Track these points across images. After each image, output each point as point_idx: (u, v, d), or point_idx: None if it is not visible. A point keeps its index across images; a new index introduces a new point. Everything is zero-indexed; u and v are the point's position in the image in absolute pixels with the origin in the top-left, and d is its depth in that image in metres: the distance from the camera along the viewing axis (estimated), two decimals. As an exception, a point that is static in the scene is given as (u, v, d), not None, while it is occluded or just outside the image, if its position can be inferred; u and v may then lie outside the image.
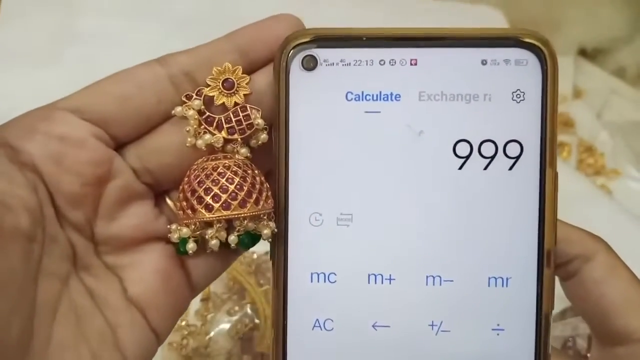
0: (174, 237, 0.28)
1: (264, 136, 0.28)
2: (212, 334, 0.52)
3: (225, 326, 0.52)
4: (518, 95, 0.28)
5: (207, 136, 0.27)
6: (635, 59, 0.86)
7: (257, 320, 0.52)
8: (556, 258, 0.28)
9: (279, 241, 0.29)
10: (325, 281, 0.29)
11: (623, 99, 0.82)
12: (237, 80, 0.27)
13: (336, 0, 0.75)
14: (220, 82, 0.27)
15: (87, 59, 0.65)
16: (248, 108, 0.28)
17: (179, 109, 0.27)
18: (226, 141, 0.28)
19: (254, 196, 0.27)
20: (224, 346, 0.51)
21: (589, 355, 0.48)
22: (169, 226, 0.28)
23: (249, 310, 0.53)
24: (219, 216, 0.27)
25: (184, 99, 0.27)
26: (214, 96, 0.27)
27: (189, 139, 0.27)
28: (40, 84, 0.58)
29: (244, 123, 0.28)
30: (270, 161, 0.29)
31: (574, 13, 0.86)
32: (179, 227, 0.28)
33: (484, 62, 0.28)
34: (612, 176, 0.72)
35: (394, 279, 0.28)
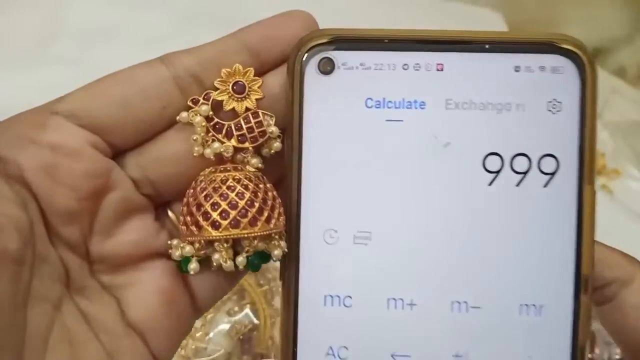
0: (176, 254, 0.25)
1: (277, 144, 0.26)
2: (211, 334, 0.50)
3: (225, 327, 0.51)
4: (554, 106, 0.25)
5: (216, 145, 0.25)
6: (636, 58, 0.85)
7: (256, 321, 0.51)
8: (593, 282, 0.26)
9: (290, 260, 0.26)
10: (340, 305, 0.26)
11: (624, 99, 0.81)
12: (248, 83, 0.25)
13: (335, -1, 0.72)
14: (230, 85, 0.25)
15: (77, 56, 0.62)
16: (260, 114, 0.25)
17: (184, 114, 0.25)
18: (236, 150, 0.25)
19: (266, 214, 0.24)
20: (223, 347, 0.50)
21: (590, 355, 0.47)
22: (169, 241, 0.26)
23: (248, 311, 0.51)
24: (226, 235, 0.24)
25: (190, 103, 0.25)
26: (222, 101, 0.25)
27: (196, 148, 0.25)
28: (26, 83, 0.56)
29: (256, 130, 0.25)
30: (281, 170, 0.26)
31: (574, 13, 0.85)
32: (181, 245, 0.25)
33: (517, 69, 0.25)
34: (613, 176, 0.71)
35: (416, 304, 0.26)
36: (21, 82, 0.58)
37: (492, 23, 0.77)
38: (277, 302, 0.52)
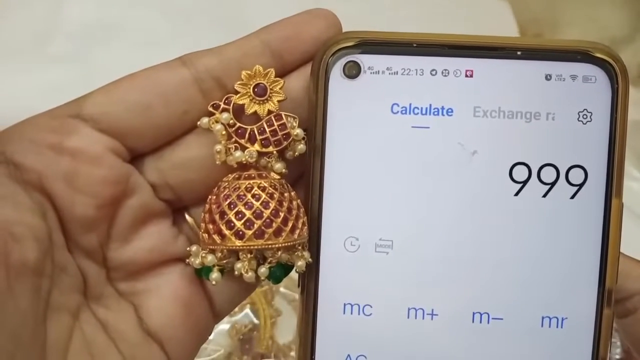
0: (196, 262, 0.24)
1: (301, 147, 0.25)
2: (211, 334, 0.49)
3: (225, 327, 0.51)
4: (585, 116, 0.25)
5: (238, 153, 0.24)
6: (636, 59, 0.85)
7: (256, 321, 0.51)
8: (615, 294, 0.26)
9: (310, 267, 0.25)
10: (359, 313, 0.26)
11: (624, 99, 0.81)
12: (269, 85, 0.24)
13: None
14: (251, 87, 0.24)
15: (75, 56, 0.61)
16: (283, 116, 0.24)
17: (205, 120, 0.24)
18: (260, 154, 0.24)
19: (290, 224, 0.24)
20: (223, 347, 0.50)
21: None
22: (188, 248, 0.25)
23: (248, 311, 0.51)
24: (250, 245, 0.23)
25: (210, 109, 0.24)
26: (244, 104, 0.24)
27: (218, 156, 0.24)
28: (26, 83, 0.55)
29: (280, 133, 0.24)
30: (300, 171, 0.26)
31: (574, 13, 0.85)
32: (202, 253, 0.24)
33: (548, 77, 0.25)
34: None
35: (437, 315, 0.25)
36: (20, 81, 0.58)
37: (499, 13, 0.76)
38: (277, 302, 0.52)
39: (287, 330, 0.51)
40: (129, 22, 0.64)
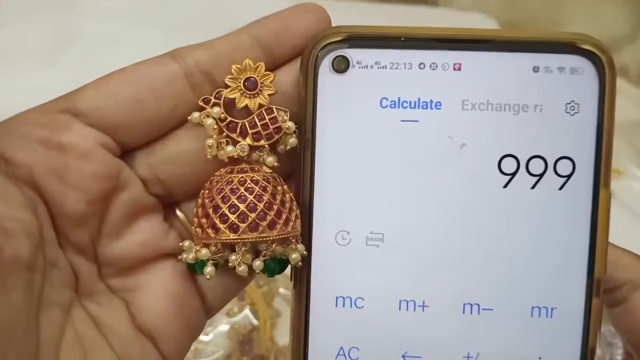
0: (189, 257, 0.24)
1: (292, 140, 0.25)
2: (211, 335, 0.50)
3: (225, 327, 0.50)
4: (572, 107, 0.25)
5: (230, 148, 0.24)
6: (638, 58, 0.85)
7: (256, 322, 0.51)
8: (604, 284, 0.26)
9: (302, 261, 0.26)
10: (351, 306, 0.26)
11: (625, 99, 0.81)
12: (260, 79, 0.24)
13: (325, 6, 0.73)
14: (242, 81, 0.24)
15: (85, 61, 0.63)
16: (274, 110, 0.25)
17: (196, 115, 0.24)
18: (252, 148, 0.25)
19: (284, 216, 0.24)
20: (223, 348, 0.50)
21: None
22: (181, 243, 0.25)
23: (248, 312, 0.51)
24: (245, 238, 0.23)
25: (201, 104, 0.24)
26: (235, 98, 0.24)
27: (209, 150, 0.24)
28: (38, 85, 0.57)
29: (271, 127, 0.24)
30: (291, 165, 0.26)
31: (576, 12, 0.85)
32: (196, 248, 0.24)
33: (535, 69, 0.25)
34: (615, 176, 0.70)
35: (428, 306, 0.26)
36: (29, 87, 0.60)
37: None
38: (277, 302, 0.51)
39: (286, 332, 0.50)
40: (131, 33, 0.66)
